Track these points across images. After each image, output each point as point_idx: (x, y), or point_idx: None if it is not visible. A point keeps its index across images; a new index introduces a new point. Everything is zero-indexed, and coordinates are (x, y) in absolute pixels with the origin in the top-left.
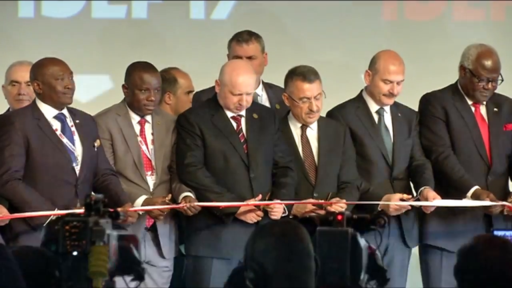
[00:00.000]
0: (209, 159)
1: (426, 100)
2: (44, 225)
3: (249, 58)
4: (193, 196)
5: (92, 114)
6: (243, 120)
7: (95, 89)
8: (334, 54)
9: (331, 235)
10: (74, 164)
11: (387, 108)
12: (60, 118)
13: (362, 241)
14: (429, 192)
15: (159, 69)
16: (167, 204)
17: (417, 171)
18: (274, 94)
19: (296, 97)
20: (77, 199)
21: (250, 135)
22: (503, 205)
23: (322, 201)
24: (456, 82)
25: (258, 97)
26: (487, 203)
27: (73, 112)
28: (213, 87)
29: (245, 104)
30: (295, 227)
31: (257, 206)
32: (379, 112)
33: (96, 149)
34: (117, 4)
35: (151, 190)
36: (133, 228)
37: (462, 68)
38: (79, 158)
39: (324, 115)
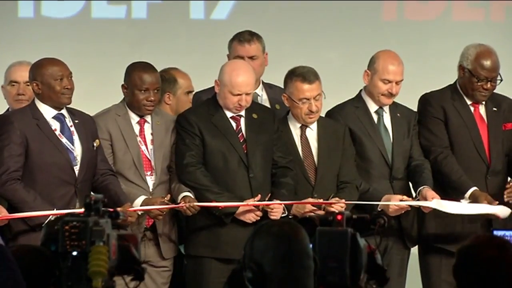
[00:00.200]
0: (208, 159)
1: (425, 100)
2: (44, 225)
3: (251, 58)
4: (192, 196)
5: (92, 114)
6: (242, 120)
7: (94, 89)
8: (334, 54)
9: (331, 235)
10: (73, 164)
11: (386, 108)
12: (59, 118)
13: (361, 241)
14: (428, 191)
15: (159, 69)
16: (166, 204)
17: (416, 171)
18: (274, 94)
19: (296, 98)
20: (77, 199)
21: (249, 135)
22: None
23: (322, 201)
24: (455, 82)
25: (258, 97)
26: (484, 207)
27: (72, 112)
28: (213, 87)
29: (245, 104)
30: (294, 227)
31: (257, 206)
32: (378, 112)
33: (95, 149)
34: (116, 4)
35: (150, 190)
36: (133, 228)
37: (461, 68)
38: (79, 158)
39: (323, 115)
